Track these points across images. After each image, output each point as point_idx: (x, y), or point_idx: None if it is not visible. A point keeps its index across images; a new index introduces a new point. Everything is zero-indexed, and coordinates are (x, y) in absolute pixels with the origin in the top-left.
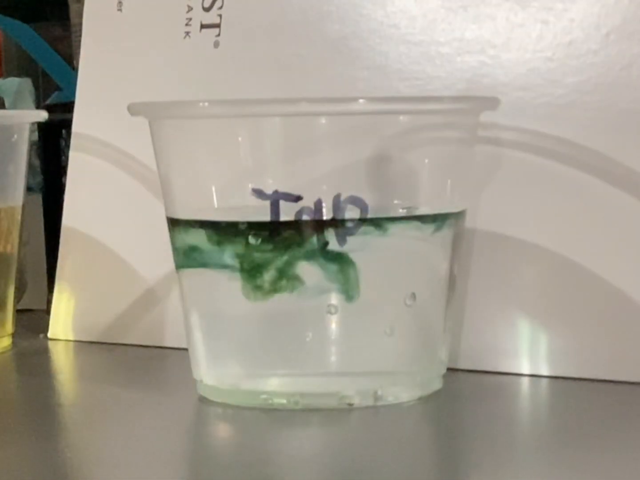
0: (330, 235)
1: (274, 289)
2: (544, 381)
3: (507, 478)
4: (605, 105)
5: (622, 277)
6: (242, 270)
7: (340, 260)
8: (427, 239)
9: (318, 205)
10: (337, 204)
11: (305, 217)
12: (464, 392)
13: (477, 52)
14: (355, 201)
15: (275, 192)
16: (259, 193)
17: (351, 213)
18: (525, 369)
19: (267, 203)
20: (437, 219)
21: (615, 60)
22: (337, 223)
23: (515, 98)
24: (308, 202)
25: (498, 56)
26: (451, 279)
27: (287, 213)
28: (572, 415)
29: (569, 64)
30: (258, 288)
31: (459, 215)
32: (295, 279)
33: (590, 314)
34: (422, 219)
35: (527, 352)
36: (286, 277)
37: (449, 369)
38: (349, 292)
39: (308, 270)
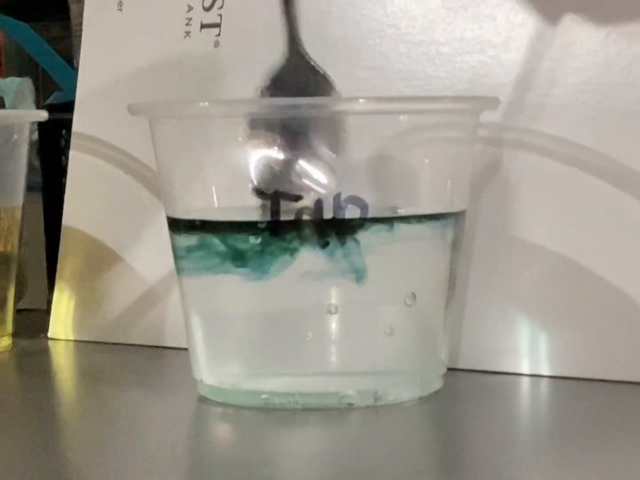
0: (331, 234)
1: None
2: (544, 381)
3: (507, 478)
4: (605, 105)
5: (622, 276)
6: (242, 269)
7: (343, 234)
8: (427, 239)
9: (318, 205)
10: (337, 204)
11: (305, 217)
12: (464, 392)
13: (477, 52)
14: (355, 201)
15: (276, 191)
16: (259, 193)
17: (351, 213)
18: (526, 368)
19: (267, 203)
20: (437, 219)
21: (615, 60)
22: (337, 222)
23: (515, 98)
24: (308, 201)
25: (498, 56)
26: (451, 279)
27: (287, 213)
28: (573, 415)
29: (569, 63)
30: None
31: (459, 215)
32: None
33: (591, 313)
34: (422, 218)
35: (527, 352)
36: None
37: (449, 369)
38: (356, 271)
39: (310, 258)
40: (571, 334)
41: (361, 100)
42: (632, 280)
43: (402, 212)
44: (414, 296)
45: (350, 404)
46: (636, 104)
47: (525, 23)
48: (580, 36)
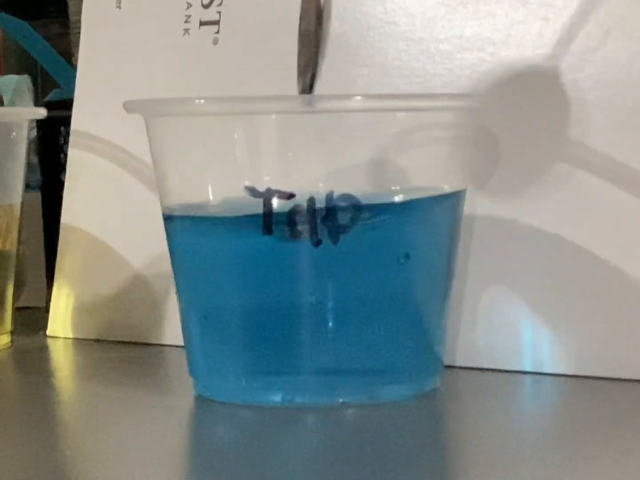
0: (323, 232)
1: None
2: (544, 379)
3: (506, 477)
4: (604, 103)
5: (624, 272)
6: (238, 265)
7: (335, 232)
8: (423, 235)
9: (311, 202)
10: (329, 202)
11: (298, 215)
12: (462, 390)
13: (476, 49)
14: (348, 199)
15: (268, 189)
16: (251, 190)
17: (345, 211)
18: (525, 366)
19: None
20: (433, 216)
21: (614, 58)
22: (329, 221)
23: (514, 95)
24: (301, 199)
25: (498, 53)
26: (449, 275)
27: (281, 210)
28: (573, 414)
29: (569, 61)
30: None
31: (456, 211)
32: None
33: (592, 310)
34: (417, 215)
35: (526, 349)
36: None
37: (447, 367)
38: (349, 268)
39: (302, 255)
40: (572, 330)
41: (357, 97)
42: (634, 277)
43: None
44: (411, 292)
45: (345, 402)
46: (636, 102)
47: (525, 20)
48: (579, 33)
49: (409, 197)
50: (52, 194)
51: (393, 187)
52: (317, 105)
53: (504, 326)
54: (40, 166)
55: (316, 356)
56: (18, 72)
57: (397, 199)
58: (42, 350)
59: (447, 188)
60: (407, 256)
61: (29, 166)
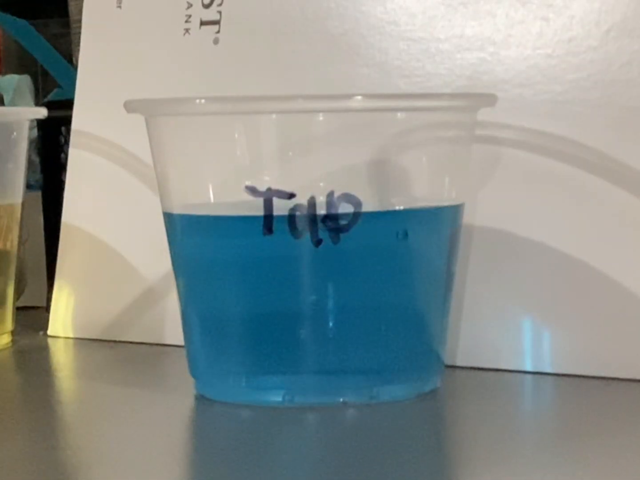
0: (324, 232)
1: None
2: (544, 379)
3: (507, 477)
4: (605, 103)
5: (623, 273)
6: (238, 265)
7: (336, 232)
8: (423, 236)
9: (311, 202)
10: (330, 201)
11: (298, 215)
12: (462, 390)
13: (477, 49)
14: (349, 198)
15: (269, 189)
16: (252, 190)
17: (345, 210)
18: (525, 366)
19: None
20: (433, 215)
21: (615, 57)
22: (330, 220)
23: (515, 95)
24: (302, 199)
25: (498, 53)
26: (449, 276)
27: (282, 210)
28: (574, 414)
29: (569, 60)
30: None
31: (456, 211)
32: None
33: (591, 310)
34: (417, 215)
35: (527, 349)
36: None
37: (447, 366)
38: (350, 269)
39: (303, 255)
40: (571, 330)
41: (358, 97)
42: (634, 277)
43: (398, 208)
44: (410, 292)
45: (346, 402)
46: (636, 101)
47: (525, 20)
48: (580, 33)
49: (410, 197)
50: (53, 193)
51: (394, 188)
52: (317, 105)
53: (504, 326)
54: (41, 166)
55: (316, 356)
56: (18, 72)
57: (398, 199)
58: (43, 350)
59: (447, 188)
60: (407, 256)
61: (30, 166)
